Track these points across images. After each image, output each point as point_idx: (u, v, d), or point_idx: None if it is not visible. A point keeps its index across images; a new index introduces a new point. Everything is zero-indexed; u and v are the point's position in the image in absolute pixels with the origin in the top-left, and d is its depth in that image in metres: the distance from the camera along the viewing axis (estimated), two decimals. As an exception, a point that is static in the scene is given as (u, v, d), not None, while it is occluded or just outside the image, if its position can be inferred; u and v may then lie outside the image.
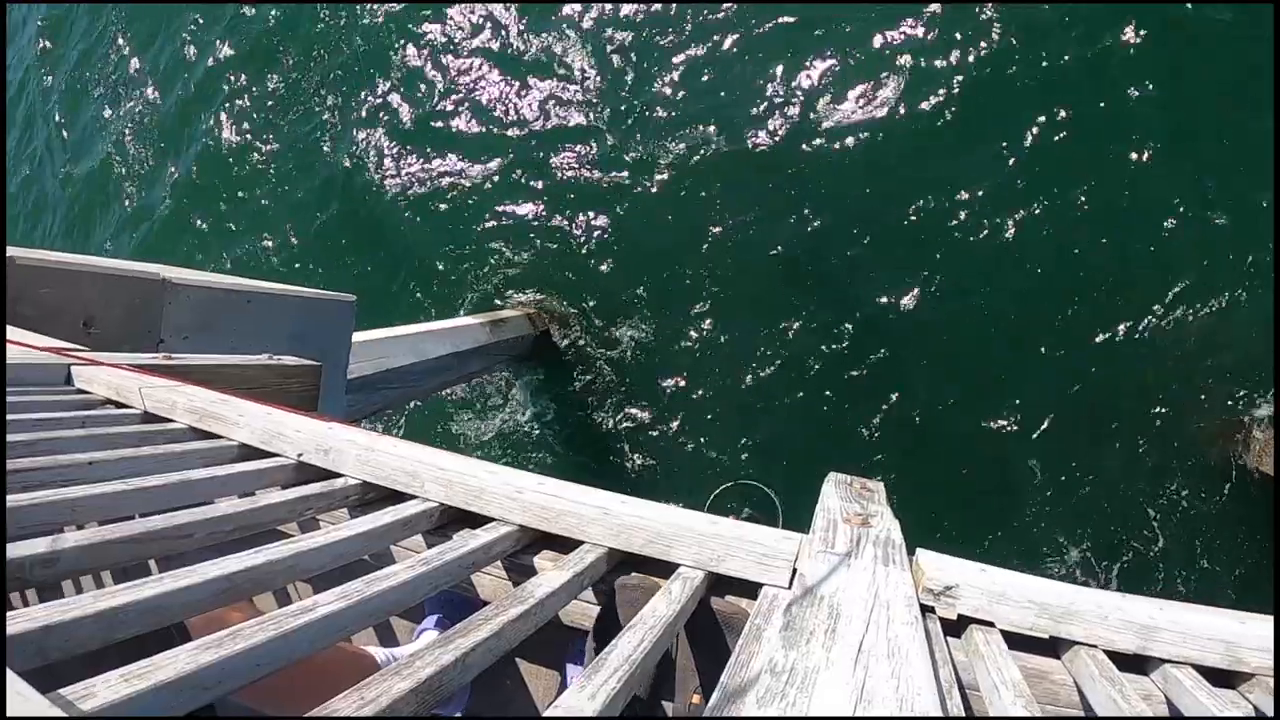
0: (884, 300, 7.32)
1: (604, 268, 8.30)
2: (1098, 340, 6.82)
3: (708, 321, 7.86)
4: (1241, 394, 6.61)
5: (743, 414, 7.72)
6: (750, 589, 1.76)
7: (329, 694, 1.05)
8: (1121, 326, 6.77)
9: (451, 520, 2.06)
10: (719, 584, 1.81)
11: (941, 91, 7.31)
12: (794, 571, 1.68)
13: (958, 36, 7.29)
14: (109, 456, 1.98)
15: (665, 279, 8.05)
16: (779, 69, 7.82)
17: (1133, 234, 6.76)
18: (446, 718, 2.59)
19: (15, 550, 1.32)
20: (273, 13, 10.48)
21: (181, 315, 4.35)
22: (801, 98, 7.73)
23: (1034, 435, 6.93)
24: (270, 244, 10.07)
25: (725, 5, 8.10)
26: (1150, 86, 6.82)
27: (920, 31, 7.44)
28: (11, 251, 3.84)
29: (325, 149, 9.87)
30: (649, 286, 8.10)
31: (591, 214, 8.42)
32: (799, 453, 7.44)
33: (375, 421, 7.80)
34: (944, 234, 7.19)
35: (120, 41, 11.98)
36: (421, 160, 9.27)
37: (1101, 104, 6.91)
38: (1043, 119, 7.04)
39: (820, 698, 1.09)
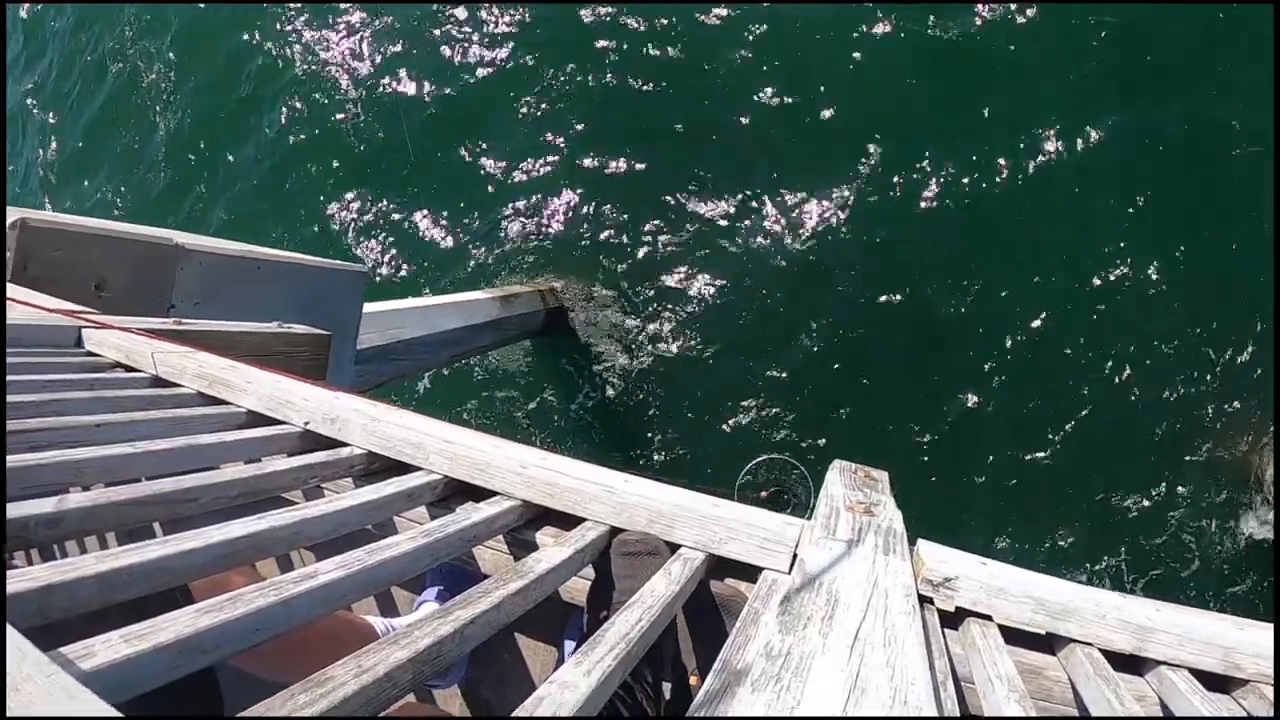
0: (905, 294, 7.30)
1: (618, 247, 8.28)
2: (1125, 343, 6.78)
3: (721, 307, 7.84)
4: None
5: (755, 398, 7.71)
6: (750, 573, 1.76)
7: (328, 661, 1.06)
8: (1153, 329, 6.73)
9: (455, 493, 2.06)
10: (719, 566, 1.81)
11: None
12: (795, 557, 1.69)
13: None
14: (116, 419, 1.99)
15: (680, 263, 8.03)
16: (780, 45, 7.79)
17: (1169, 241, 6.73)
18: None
19: (20, 510, 1.32)
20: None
21: (193, 281, 4.35)
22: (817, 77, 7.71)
23: (1047, 436, 6.91)
24: (285, 220, 10.08)
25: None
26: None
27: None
28: (24, 213, 3.84)
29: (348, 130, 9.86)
30: (664, 269, 8.08)
31: (605, 193, 8.41)
32: (811, 438, 7.43)
33: (384, 393, 7.81)
34: (972, 227, 7.15)
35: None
36: (440, 136, 9.26)
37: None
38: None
39: (814, 684, 1.10)
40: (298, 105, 10.15)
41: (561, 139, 8.66)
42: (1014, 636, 1.70)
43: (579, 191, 8.53)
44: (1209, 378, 6.68)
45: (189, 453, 1.89)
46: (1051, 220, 7.00)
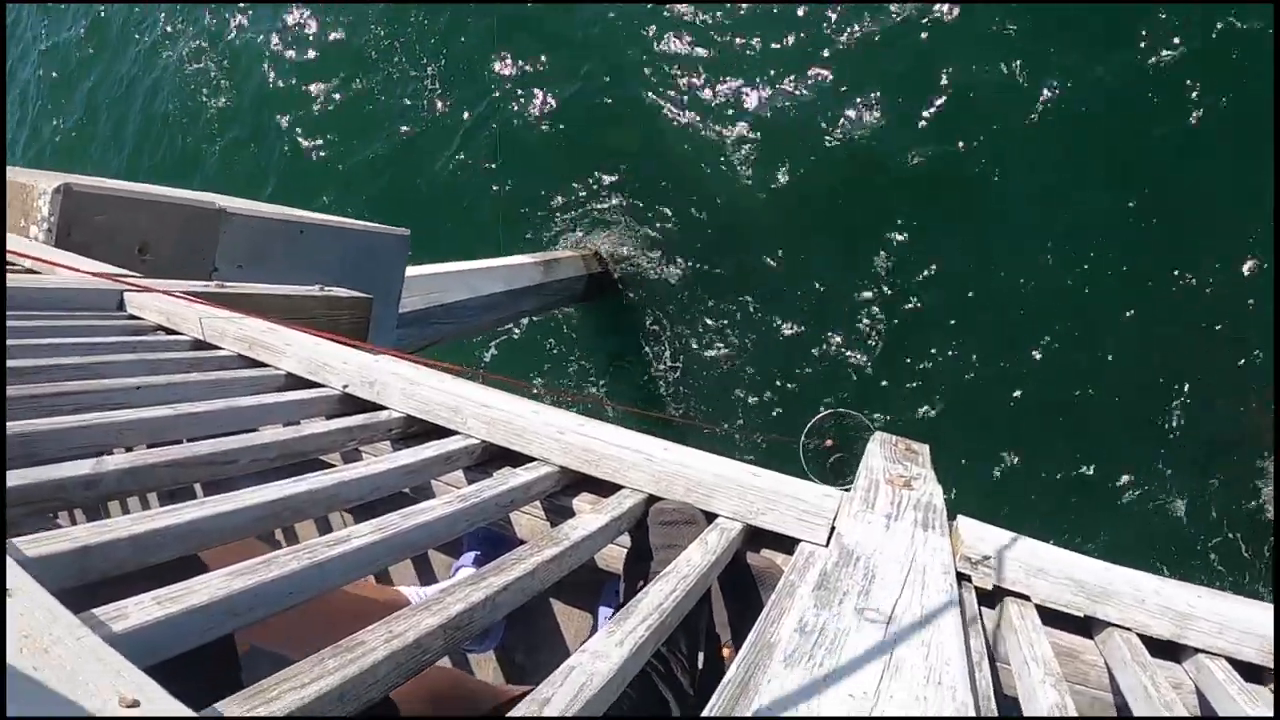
0: (961, 263, 7.19)
1: (664, 213, 8.24)
2: (1182, 323, 6.65)
3: (769, 274, 7.78)
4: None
5: (799, 369, 7.66)
6: (787, 544, 1.74)
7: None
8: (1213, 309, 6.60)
9: (493, 458, 2.06)
10: (756, 537, 1.80)
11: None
12: (832, 530, 1.66)
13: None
14: (157, 381, 2.00)
15: (729, 232, 7.97)
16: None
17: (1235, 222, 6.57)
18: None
19: (58, 471, 1.33)
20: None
21: (236, 244, 4.38)
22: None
23: (1097, 418, 6.80)
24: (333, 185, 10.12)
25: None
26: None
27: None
28: (68, 179, 3.87)
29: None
30: (711, 237, 8.03)
31: (647, 156, 8.37)
32: (857, 409, 7.38)
33: (424, 357, 7.83)
34: (1023, 199, 7.05)
35: None
36: (488, 103, 9.25)
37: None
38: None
39: (848, 661, 1.08)
40: (342, 73, 10.18)
41: (609, 99, 8.61)
42: (1051, 618, 1.68)
43: (621, 153, 8.49)
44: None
45: (228, 415, 1.90)
46: (1106, 200, 6.87)
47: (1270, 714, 1.51)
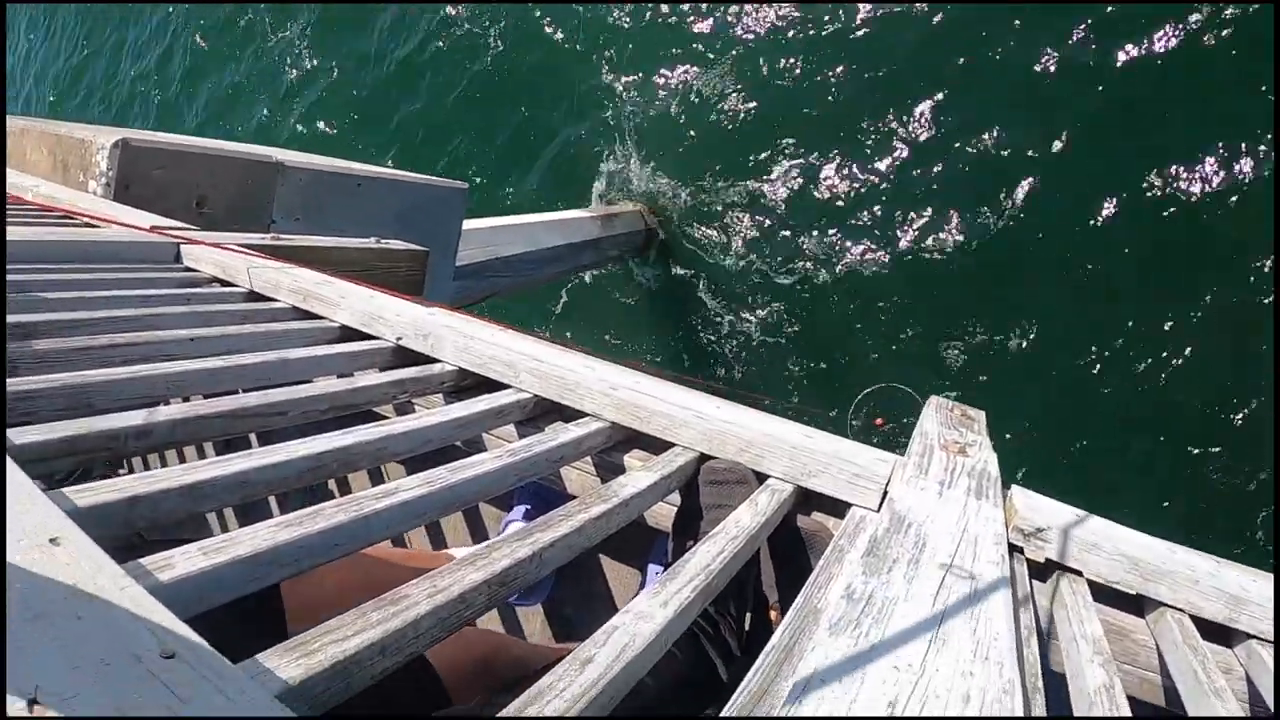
0: (1032, 226, 7.05)
1: (727, 171, 8.15)
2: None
3: (832, 237, 7.69)
4: None
5: (852, 343, 7.57)
6: (838, 508, 1.72)
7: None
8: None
9: (544, 412, 2.05)
10: (806, 500, 1.77)
11: None
12: (884, 495, 1.63)
13: None
14: (210, 333, 2.01)
15: (794, 188, 7.87)
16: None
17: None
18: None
19: (111, 422, 1.34)
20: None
21: (293, 197, 4.41)
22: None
23: (1169, 395, 6.64)
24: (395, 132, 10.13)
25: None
26: None
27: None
28: (125, 133, 3.91)
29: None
30: (775, 202, 7.94)
31: (712, 111, 8.29)
32: (915, 378, 7.29)
33: (480, 309, 7.84)
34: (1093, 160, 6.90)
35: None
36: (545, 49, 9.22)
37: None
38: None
39: (895, 630, 1.06)
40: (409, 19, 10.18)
41: (676, 49, 8.53)
42: (1102, 594, 1.65)
43: (685, 107, 8.42)
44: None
45: (281, 366, 1.90)
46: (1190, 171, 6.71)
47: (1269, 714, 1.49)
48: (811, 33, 7.81)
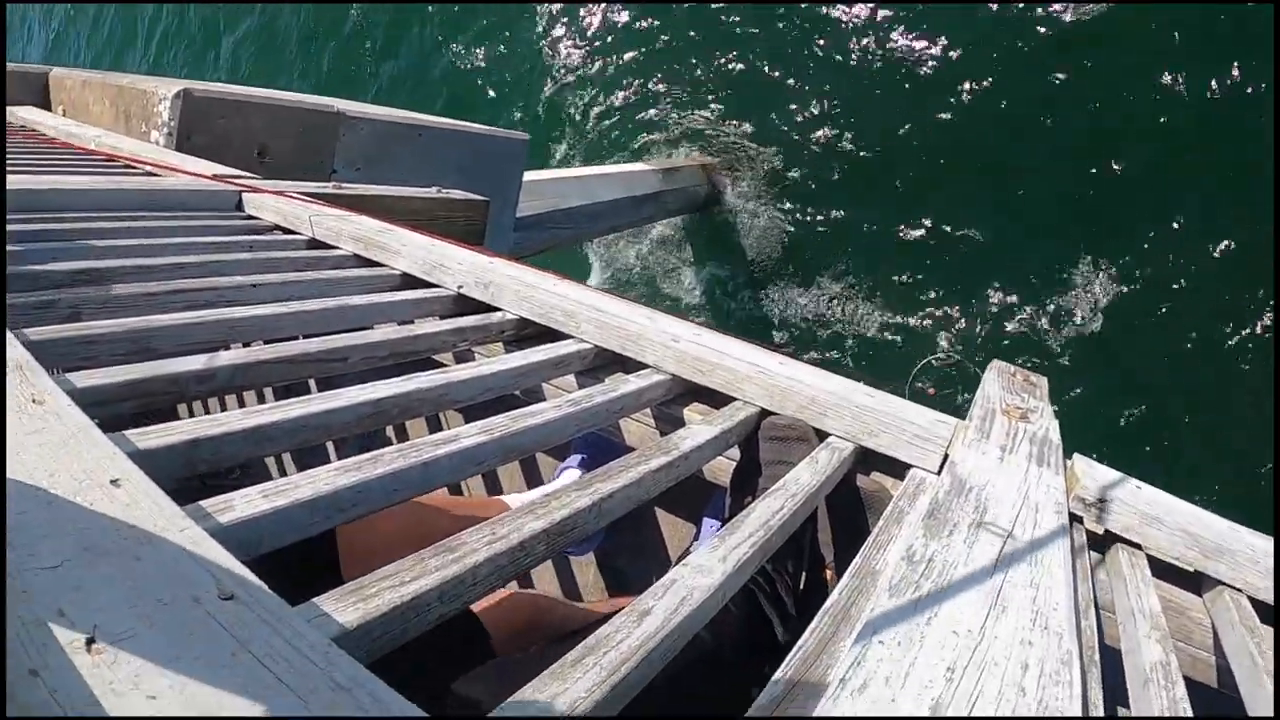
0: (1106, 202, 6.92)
1: (792, 130, 8.06)
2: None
3: (891, 211, 7.58)
4: None
5: (911, 311, 7.48)
6: (897, 469, 1.69)
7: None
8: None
9: (605, 363, 2.04)
10: (865, 459, 1.74)
11: None
12: (945, 458, 1.60)
13: None
14: (272, 279, 2.02)
15: (859, 145, 7.77)
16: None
17: None
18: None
19: (173, 366, 1.34)
20: None
21: (354, 147, 4.43)
22: None
23: (1237, 371, 6.49)
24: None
25: None
26: None
27: None
28: (187, 84, 3.94)
29: None
30: (837, 151, 7.84)
31: (789, 67, 8.19)
32: (978, 344, 7.19)
33: (540, 260, 7.82)
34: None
35: None
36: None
37: None
38: None
39: (954, 595, 1.04)
40: None
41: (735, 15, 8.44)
42: (1159, 569, 1.61)
43: (747, 64, 8.34)
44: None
45: (341, 313, 1.90)
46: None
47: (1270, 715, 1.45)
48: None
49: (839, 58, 7.85)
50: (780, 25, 8.13)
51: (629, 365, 1.98)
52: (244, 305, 1.78)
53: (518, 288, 2.14)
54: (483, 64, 9.96)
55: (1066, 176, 6.97)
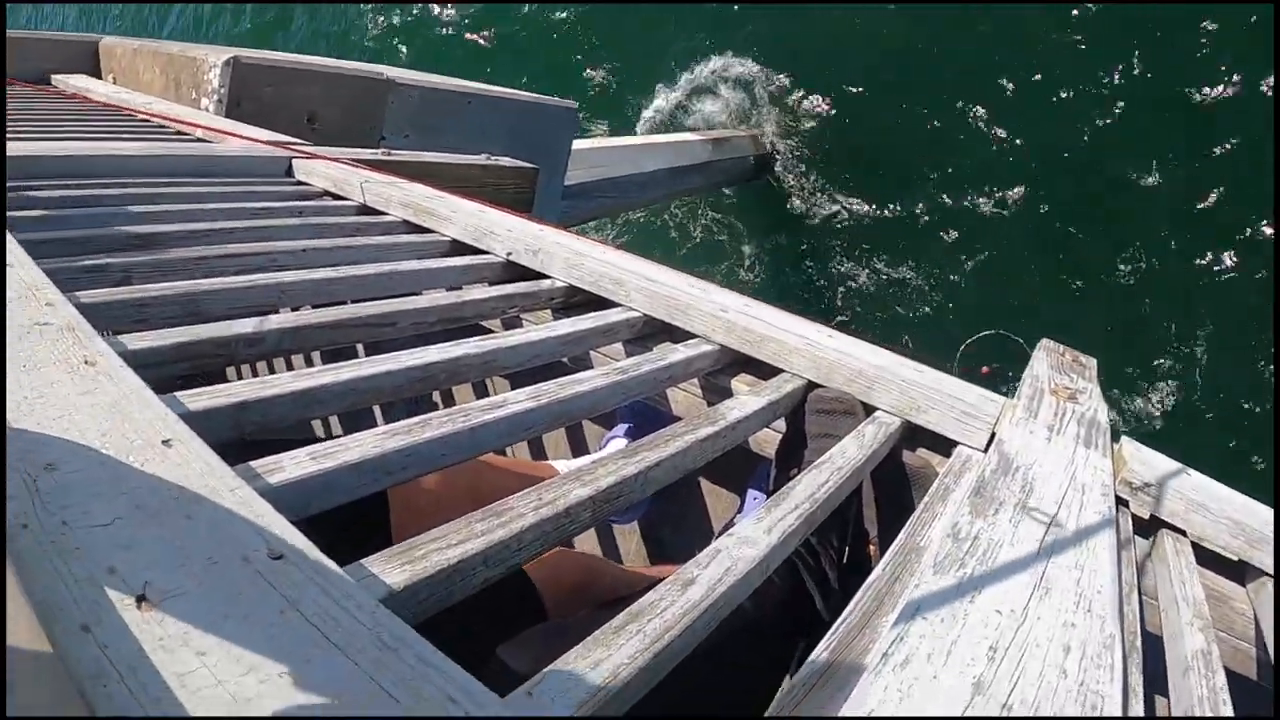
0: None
1: (846, 98, 7.97)
2: None
3: (941, 179, 7.48)
4: None
5: (962, 288, 7.39)
6: (943, 445, 1.67)
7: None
8: None
9: (653, 332, 2.03)
10: (911, 435, 1.73)
11: None
12: (993, 436, 1.58)
13: None
14: (321, 244, 2.03)
15: (915, 120, 7.67)
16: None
17: None
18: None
19: (222, 329, 1.36)
20: None
21: (403, 114, 4.44)
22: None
23: None
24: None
25: None
26: None
27: None
28: (236, 52, 3.97)
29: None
30: (891, 126, 7.74)
31: (827, 36, 8.11)
32: (1022, 329, 7.08)
33: (587, 228, 7.81)
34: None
35: None
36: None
37: None
38: None
39: (998, 574, 1.03)
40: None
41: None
42: (1203, 556, 1.58)
43: (797, 30, 8.27)
44: None
45: (390, 278, 1.91)
46: None
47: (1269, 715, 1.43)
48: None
49: (899, 33, 7.76)
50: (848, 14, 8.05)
51: (677, 335, 1.98)
52: (294, 270, 1.79)
53: (566, 255, 2.14)
54: (533, 33, 9.95)
55: (1131, 160, 6.88)
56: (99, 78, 5.42)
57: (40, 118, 3.48)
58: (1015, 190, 7.21)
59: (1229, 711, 1.13)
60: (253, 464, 0.94)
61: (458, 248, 2.32)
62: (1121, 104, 6.90)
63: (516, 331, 1.67)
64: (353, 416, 2.78)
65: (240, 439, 1.10)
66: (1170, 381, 6.59)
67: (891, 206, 7.69)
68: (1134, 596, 1.40)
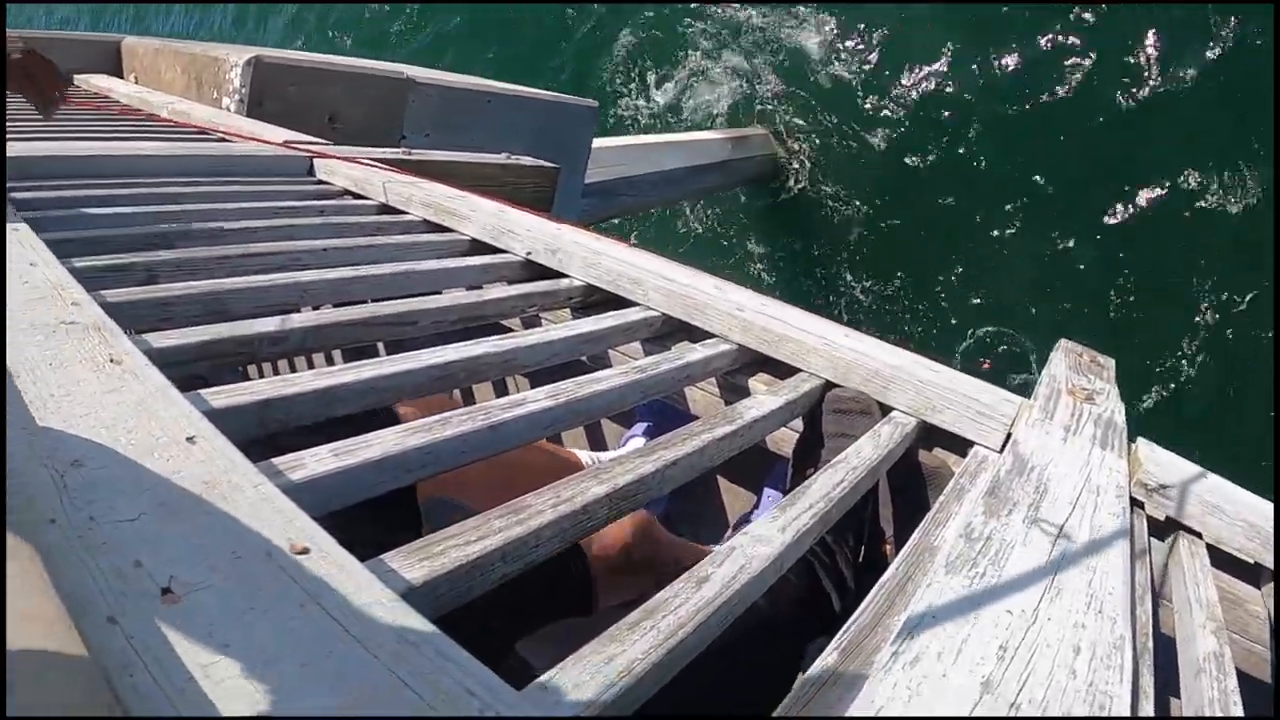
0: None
1: (865, 99, 7.96)
2: None
3: (955, 184, 7.45)
4: None
5: (969, 287, 7.36)
6: (959, 445, 1.67)
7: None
8: None
9: (671, 331, 2.04)
10: (927, 434, 1.73)
11: None
12: (1008, 436, 1.58)
13: None
14: (343, 243, 2.04)
15: (933, 121, 7.64)
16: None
17: None
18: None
19: (246, 327, 1.37)
20: None
21: (423, 113, 4.46)
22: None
23: None
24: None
25: None
26: None
27: None
28: (258, 52, 4.00)
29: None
30: (909, 127, 7.71)
31: (846, 35, 8.10)
32: (1041, 327, 7.05)
33: (606, 227, 7.80)
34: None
35: None
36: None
37: None
38: None
39: (1011, 575, 1.04)
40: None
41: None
42: (1218, 559, 1.58)
43: (815, 31, 8.25)
44: None
45: (411, 277, 1.92)
46: None
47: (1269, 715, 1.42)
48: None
49: (920, 35, 7.74)
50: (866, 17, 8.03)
51: (695, 334, 1.98)
52: (315, 269, 1.81)
53: (585, 254, 2.15)
54: (555, 30, 9.96)
55: (1138, 161, 6.85)
56: (121, 78, 5.46)
57: (63, 118, 3.51)
58: (1032, 193, 7.19)
59: (1239, 714, 1.13)
60: (274, 461, 0.95)
61: (477, 247, 2.33)
62: (1125, 105, 6.88)
63: (536, 330, 1.68)
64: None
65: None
66: (1175, 381, 6.57)
67: (911, 206, 7.66)
68: (1147, 599, 1.40)
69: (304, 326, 1.45)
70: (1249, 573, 1.60)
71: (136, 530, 0.72)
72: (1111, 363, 2.11)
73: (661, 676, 0.82)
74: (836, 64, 8.04)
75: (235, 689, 0.58)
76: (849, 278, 7.94)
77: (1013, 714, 0.81)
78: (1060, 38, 7.11)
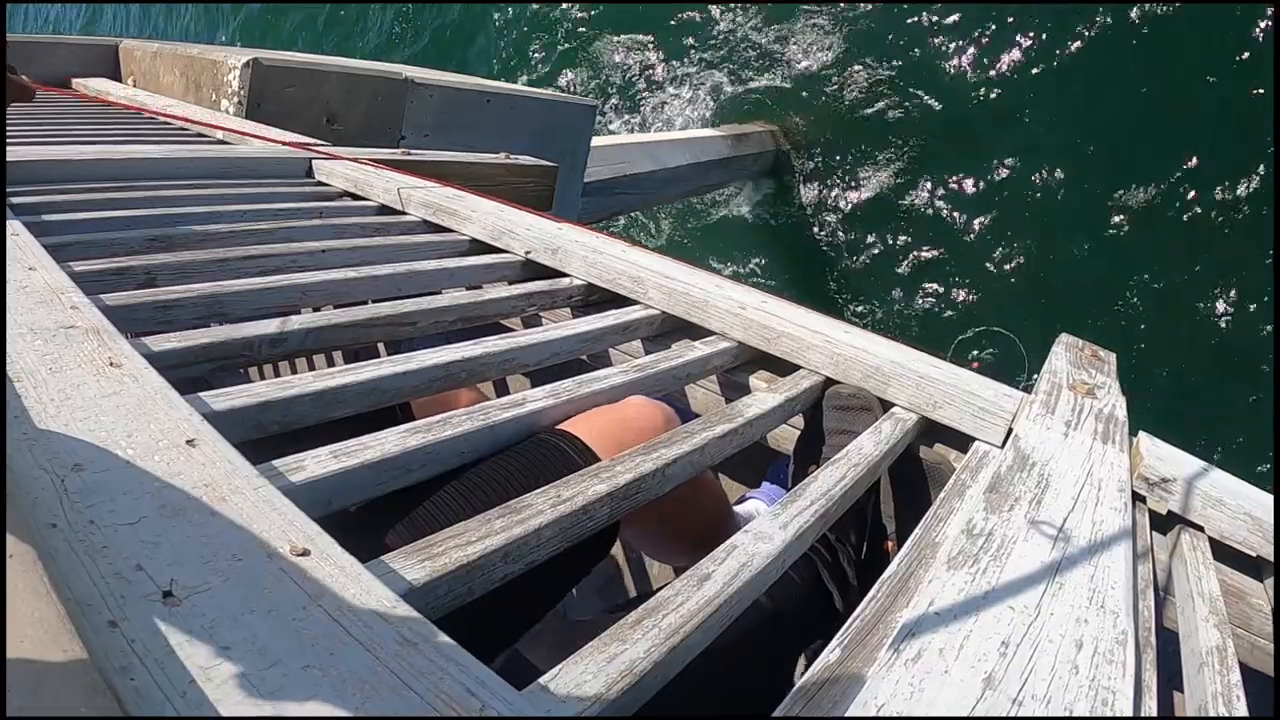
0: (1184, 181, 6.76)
1: (867, 95, 7.95)
2: None
3: (955, 178, 7.45)
4: None
5: (965, 284, 7.36)
6: (960, 441, 1.67)
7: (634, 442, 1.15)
8: None
9: (671, 329, 2.04)
10: (928, 431, 1.73)
11: None
12: (1009, 432, 1.57)
13: None
14: (342, 245, 2.04)
15: (931, 115, 7.64)
16: None
17: None
18: None
19: (246, 329, 1.37)
20: None
21: (422, 113, 4.46)
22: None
23: None
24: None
25: None
26: None
27: None
28: (256, 53, 4.00)
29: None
30: (908, 121, 7.71)
31: (844, 35, 8.10)
32: (1042, 321, 7.05)
33: (607, 226, 7.79)
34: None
35: None
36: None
37: None
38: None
39: (1013, 571, 1.04)
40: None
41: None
42: (1221, 553, 1.57)
43: (814, 27, 8.24)
44: None
45: (411, 278, 1.92)
46: None
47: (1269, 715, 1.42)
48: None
49: (920, 32, 7.74)
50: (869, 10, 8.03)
51: (695, 332, 1.98)
52: (315, 270, 1.81)
53: (585, 253, 2.15)
54: (552, 30, 9.95)
55: (1142, 162, 6.85)
56: (119, 80, 5.47)
57: (61, 121, 3.52)
58: (1033, 190, 7.19)
59: (1243, 708, 1.13)
60: (275, 463, 0.96)
61: (477, 247, 2.33)
62: (1125, 103, 6.88)
63: (536, 330, 1.68)
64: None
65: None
66: (1176, 374, 6.57)
67: (912, 202, 7.66)
68: (1149, 593, 1.40)
69: (305, 328, 1.45)
70: (1252, 566, 1.59)
71: (137, 533, 0.72)
72: (1113, 356, 2.11)
73: (663, 675, 0.82)
74: (838, 60, 8.04)
75: (237, 691, 0.58)
76: (850, 275, 7.94)
77: (1015, 710, 0.81)
78: (1061, 37, 7.11)
